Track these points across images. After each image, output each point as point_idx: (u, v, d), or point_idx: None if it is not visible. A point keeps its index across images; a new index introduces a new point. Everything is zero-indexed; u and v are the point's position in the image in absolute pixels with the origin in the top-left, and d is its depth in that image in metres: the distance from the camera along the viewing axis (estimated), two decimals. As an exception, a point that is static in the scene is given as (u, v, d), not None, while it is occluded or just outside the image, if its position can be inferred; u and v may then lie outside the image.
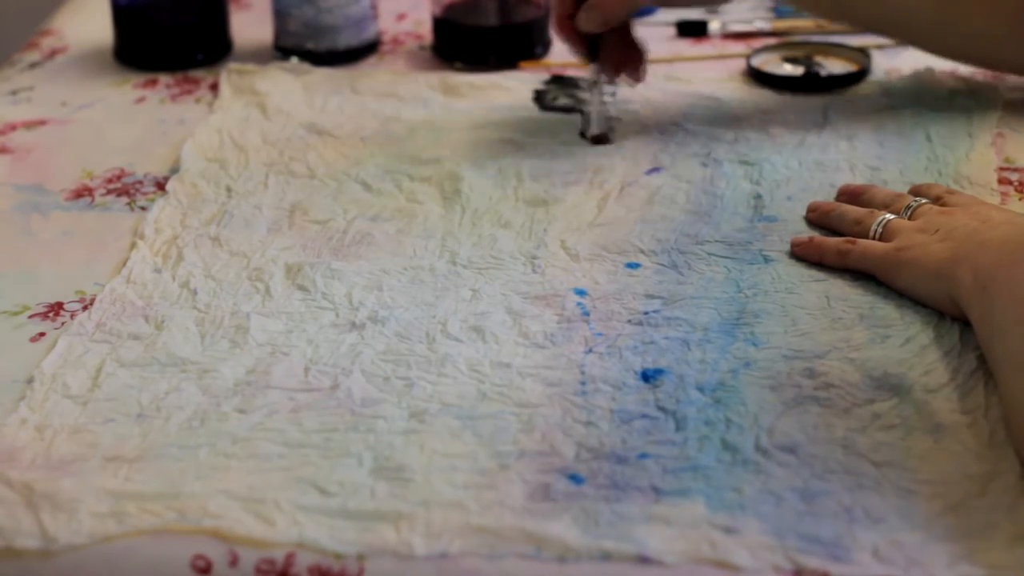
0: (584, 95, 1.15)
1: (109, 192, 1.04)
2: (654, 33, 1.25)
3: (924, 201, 0.94)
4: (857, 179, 1.02)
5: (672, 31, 1.29)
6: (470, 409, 0.79)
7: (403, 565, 0.70)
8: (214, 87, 1.20)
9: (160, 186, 1.05)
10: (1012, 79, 1.15)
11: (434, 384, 0.82)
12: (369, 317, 0.88)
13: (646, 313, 0.87)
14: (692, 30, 1.28)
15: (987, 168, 1.03)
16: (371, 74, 1.21)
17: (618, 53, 1.10)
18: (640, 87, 1.16)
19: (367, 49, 1.25)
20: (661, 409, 0.79)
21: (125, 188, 1.05)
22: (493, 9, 1.24)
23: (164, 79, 1.22)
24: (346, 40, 1.24)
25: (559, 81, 1.19)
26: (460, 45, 1.23)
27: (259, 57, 1.25)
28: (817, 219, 0.97)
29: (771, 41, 1.25)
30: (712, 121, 1.11)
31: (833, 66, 1.19)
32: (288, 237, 0.97)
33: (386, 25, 1.31)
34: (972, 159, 1.04)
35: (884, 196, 0.97)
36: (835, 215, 0.96)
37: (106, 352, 0.85)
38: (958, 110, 1.11)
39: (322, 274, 0.92)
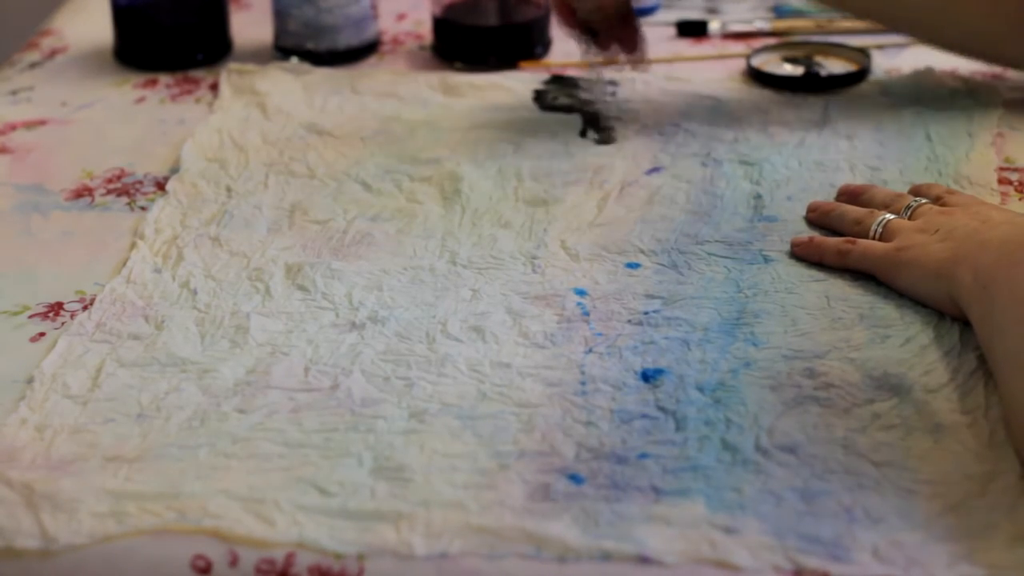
0: (584, 94, 1.15)
1: (109, 192, 1.04)
2: (654, 33, 1.25)
3: (924, 201, 0.94)
4: (857, 179, 1.02)
5: (672, 31, 1.29)
6: (470, 409, 0.79)
7: (403, 565, 0.70)
8: (214, 87, 1.20)
9: (160, 186, 1.05)
10: (1012, 79, 1.15)
11: (434, 384, 0.82)
12: (369, 317, 0.88)
13: (646, 313, 0.87)
14: (692, 30, 1.28)
15: (987, 168, 1.03)
16: (371, 74, 1.21)
17: (618, 36, 1.11)
18: (640, 87, 1.16)
19: (367, 49, 1.25)
20: (661, 409, 0.79)
21: (125, 188, 1.05)
22: (493, 9, 1.24)
23: (164, 79, 1.22)
24: (346, 40, 1.24)
25: (559, 81, 1.19)
26: (460, 45, 1.23)
27: (259, 57, 1.25)
28: (817, 219, 0.97)
29: (771, 41, 1.25)
30: (712, 121, 1.11)
31: (833, 66, 1.19)
32: (288, 237, 0.97)
33: (386, 25, 1.31)
34: (972, 159, 1.04)
35: (884, 196, 0.97)
36: (835, 215, 0.96)
37: (106, 352, 0.85)
38: (958, 110, 1.11)
39: (322, 274, 0.92)
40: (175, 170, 1.06)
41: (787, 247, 0.94)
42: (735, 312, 0.87)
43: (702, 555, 0.70)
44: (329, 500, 0.73)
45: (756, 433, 0.77)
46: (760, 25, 1.28)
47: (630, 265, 0.93)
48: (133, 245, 0.96)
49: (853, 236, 0.92)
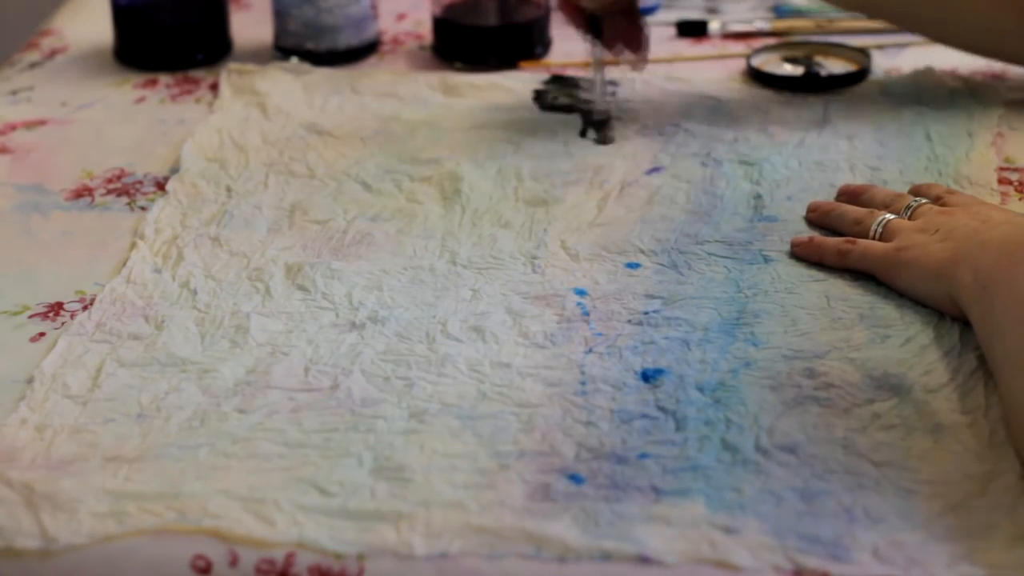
0: (584, 94, 1.15)
1: (109, 192, 1.04)
2: (654, 33, 1.25)
3: (924, 201, 0.94)
4: (857, 179, 1.02)
5: (672, 31, 1.29)
6: (470, 409, 0.79)
7: (403, 565, 0.70)
8: (214, 87, 1.20)
9: (160, 186, 1.05)
10: (1012, 79, 1.15)
11: (434, 384, 0.82)
12: (369, 317, 0.88)
13: (646, 313, 0.87)
14: (692, 30, 1.28)
15: (987, 168, 1.03)
16: (371, 74, 1.21)
17: (621, 31, 1.11)
18: (640, 87, 1.16)
19: (367, 49, 1.25)
20: (661, 409, 0.79)
21: (125, 188, 1.05)
22: (493, 9, 1.24)
23: (164, 79, 1.22)
24: (346, 40, 1.24)
25: (559, 81, 1.19)
26: (460, 45, 1.23)
27: (259, 57, 1.25)
28: (817, 219, 0.97)
29: (771, 41, 1.25)
30: (712, 121, 1.11)
31: (833, 66, 1.19)
32: (288, 237, 0.97)
33: (386, 25, 1.31)
34: (972, 159, 1.04)
35: (884, 196, 0.97)
36: (835, 215, 0.96)
37: (106, 352, 0.85)
38: (958, 110, 1.11)
39: (322, 274, 0.92)
40: (175, 170, 1.06)
41: (787, 247, 0.94)
42: (735, 312, 0.87)
43: (702, 555, 0.70)
44: (329, 500, 0.73)
45: (756, 433, 0.77)
46: (760, 25, 1.28)
47: (630, 265, 0.93)
48: (133, 245, 0.96)
49: (853, 236, 0.92)
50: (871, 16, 1.14)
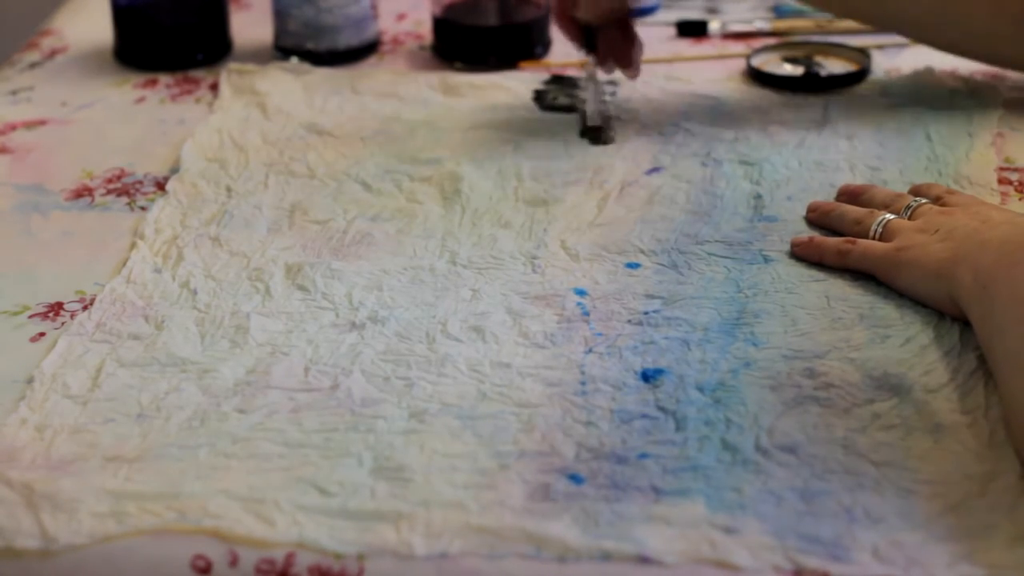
0: (583, 93, 1.15)
1: (109, 192, 1.04)
2: (654, 33, 1.25)
3: (924, 201, 0.94)
4: (857, 179, 1.02)
5: (672, 31, 1.29)
6: (470, 409, 0.79)
7: (403, 565, 0.70)
8: (214, 87, 1.20)
9: (160, 186, 1.05)
10: (1012, 78, 1.15)
11: (434, 384, 0.82)
12: (369, 317, 0.88)
13: (646, 313, 0.87)
14: (692, 30, 1.28)
15: (987, 168, 1.03)
16: (371, 74, 1.21)
17: (615, 45, 1.11)
18: (640, 87, 1.16)
19: (367, 49, 1.25)
20: (661, 409, 0.79)
21: (125, 188, 1.05)
22: (493, 9, 1.24)
23: (164, 79, 1.22)
24: (346, 40, 1.24)
25: (559, 81, 1.19)
26: (460, 45, 1.23)
27: (259, 57, 1.25)
28: (817, 219, 0.97)
29: (771, 41, 1.25)
30: (712, 121, 1.11)
31: (833, 66, 1.19)
32: (288, 237, 0.97)
33: (386, 25, 1.31)
34: (972, 159, 1.04)
35: (884, 196, 0.97)
36: (835, 215, 0.96)
37: (106, 352, 0.85)
38: (958, 110, 1.11)
39: (322, 274, 0.92)
40: (175, 170, 1.06)
41: (787, 247, 0.94)
42: (735, 312, 0.87)
43: (702, 555, 0.70)
44: (329, 500, 0.73)
45: (756, 433, 0.77)
46: (760, 25, 1.28)
47: (630, 265, 0.93)
48: (133, 245, 0.96)
49: (853, 236, 0.92)
50: (865, 22, 1.14)
